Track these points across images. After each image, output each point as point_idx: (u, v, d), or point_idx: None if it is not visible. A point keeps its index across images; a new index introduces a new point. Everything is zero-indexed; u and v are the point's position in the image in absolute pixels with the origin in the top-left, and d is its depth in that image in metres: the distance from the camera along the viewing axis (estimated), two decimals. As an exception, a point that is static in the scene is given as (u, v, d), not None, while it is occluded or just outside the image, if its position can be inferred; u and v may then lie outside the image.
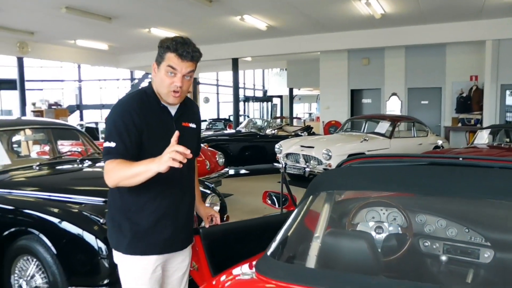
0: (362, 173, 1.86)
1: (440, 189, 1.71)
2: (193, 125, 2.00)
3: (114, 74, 20.11)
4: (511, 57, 9.95)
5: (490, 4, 8.65)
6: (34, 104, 13.02)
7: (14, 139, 4.49)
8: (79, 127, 10.48)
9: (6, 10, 9.13)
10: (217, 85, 24.57)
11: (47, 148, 4.67)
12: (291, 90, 21.30)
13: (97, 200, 2.97)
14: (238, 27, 10.77)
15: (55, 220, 2.83)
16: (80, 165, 3.94)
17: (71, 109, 18.12)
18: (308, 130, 11.94)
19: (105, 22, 9.96)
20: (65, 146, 5.33)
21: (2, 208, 3.09)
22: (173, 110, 1.93)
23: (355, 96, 13.32)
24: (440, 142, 7.14)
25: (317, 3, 8.76)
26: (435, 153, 6.52)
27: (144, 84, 16.47)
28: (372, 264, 1.58)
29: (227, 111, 21.69)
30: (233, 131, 11.64)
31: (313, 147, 7.49)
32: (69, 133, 4.92)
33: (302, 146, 7.74)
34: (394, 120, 8.56)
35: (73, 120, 16.56)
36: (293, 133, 11.15)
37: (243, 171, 10.26)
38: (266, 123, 11.08)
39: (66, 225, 2.78)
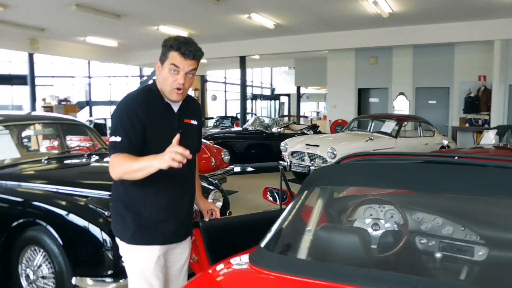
0: (355, 170, 1.91)
1: (432, 186, 1.75)
2: (194, 122, 2.07)
3: (123, 71, 20.26)
4: (520, 57, 9.90)
5: (499, 4, 8.60)
6: (44, 99, 13.20)
7: (24, 134, 4.59)
8: (88, 123, 10.64)
9: (18, 7, 9.27)
10: (225, 83, 24.63)
11: (55, 143, 4.78)
12: (298, 89, 21.30)
13: (103, 194, 3.04)
14: (245, 26, 10.83)
15: (62, 212, 2.91)
16: (87, 160, 4.03)
17: (80, 105, 18.31)
18: (314, 128, 11.96)
19: (115, 19, 10.08)
20: (73, 141, 5.43)
21: (12, 200, 3.19)
22: (176, 107, 2.00)
23: (362, 95, 13.31)
24: (446, 142, 7.13)
25: (325, 2, 8.78)
26: (440, 152, 6.52)
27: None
28: (364, 258, 1.63)
29: (234, 109, 21.75)
30: (239, 128, 11.71)
31: (318, 146, 7.52)
32: (77, 128, 5.02)
33: (307, 144, 7.78)
34: (400, 119, 8.56)
35: (82, 116, 16.72)
36: (299, 132, 11.19)
37: (249, 169, 10.33)
38: (272, 121, 11.13)
39: (73, 217, 2.87)
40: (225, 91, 24.69)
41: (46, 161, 3.78)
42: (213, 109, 22.81)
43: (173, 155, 1.63)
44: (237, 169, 9.71)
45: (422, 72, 12.02)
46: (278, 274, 1.38)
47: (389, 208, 2.35)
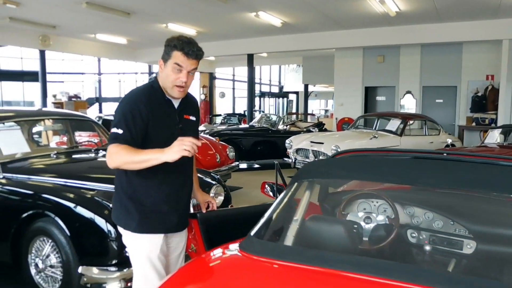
0: (342, 164, 2.00)
1: (418, 179, 1.84)
2: (193, 118, 2.18)
3: (133, 68, 20.48)
4: (528, 56, 9.85)
5: (508, 4, 8.57)
6: (54, 96, 13.42)
7: (34, 129, 4.74)
8: (97, 119, 10.82)
9: (30, 4, 9.46)
10: (233, 80, 24.73)
11: (65, 138, 4.93)
12: (306, 86, 21.33)
13: (109, 187, 3.13)
14: (253, 24, 10.91)
15: (70, 204, 3.04)
16: (94, 155, 4.16)
17: (90, 102, 18.56)
18: (319, 126, 12.02)
19: (124, 17, 10.22)
20: (82, 137, 5.58)
21: (22, 192, 3.33)
22: (176, 103, 2.11)
23: (369, 93, 13.32)
24: (449, 141, 7.15)
25: (331, 0, 8.83)
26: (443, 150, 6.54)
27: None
28: (350, 247, 1.72)
29: (243, 106, 21.85)
30: (246, 126, 11.81)
31: (322, 143, 7.59)
32: (86, 124, 5.16)
33: (312, 142, 7.85)
34: (405, 118, 8.59)
35: (92, 112, 16.95)
36: (304, 129, 11.26)
37: (256, 166, 10.44)
38: (278, 119, 11.22)
39: (80, 209, 2.99)
40: (234, 88, 24.79)
41: (55, 156, 3.93)
42: (222, 106, 22.93)
43: (186, 145, 1.75)
44: (243, 165, 9.83)
45: (430, 71, 12.00)
46: (264, 259, 1.49)
47: (382, 203, 2.44)
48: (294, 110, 25.91)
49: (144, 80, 20.64)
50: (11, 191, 3.38)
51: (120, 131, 1.91)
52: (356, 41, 11.79)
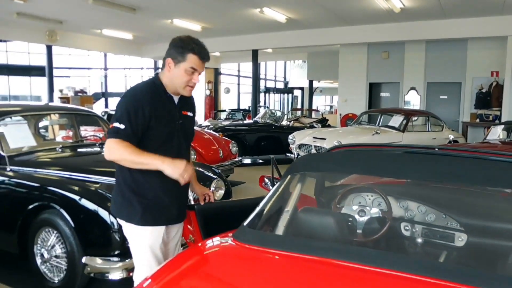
0: (333, 158, 2.07)
1: (405, 172, 1.90)
2: (190, 114, 2.27)
3: (138, 63, 20.59)
4: (533, 53, 9.81)
5: (512, 0, 8.55)
6: (61, 91, 13.55)
7: (41, 123, 4.84)
8: (103, 114, 10.92)
9: (37, 0, 9.57)
10: (238, 76, 24.78)
11: (70, 133, 5.03)
12: (311, 82, 21.33)
13: (112, 180, 3.17)
14: (257, 19, 10.94)
15: (74, 196, 3.13)
16: (98, 149, 4.26)
17: (96, 97, 18.70)
18: (322, 122, 12.06)
19: (130, 13, 10.30)
20: (88, 131, 5.68)
21: (28, 185, 3.42)
22: (176, 100, 2.19)
23: (374, 89, 13.32)
24: (451, 137, 7.18)
25: (335, -4, 8.86)
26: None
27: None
28: (339, 237, 1.80)
29: (247, 102, 21.91)
30: (250, 121, 11.88)
31: (325, 139, 7.65)
32: (91, 119, 5.26)
33: (314, 137, 7.91)
34: (408, 114, 8.62)
35: (98, 107, 17.09)
36: (308, 125, 11.31)
37: (260, 161, 10.51)
38: (282, 115, 11.27)
39: (84, 202, 3.08)
40: (239, 84, 24.84)
41: (60, 150, 4.03)
42: (227, 102, 22.99)
43: (185, 177, 1.98)
44: (247, 161, 9.91)
45: (434, 67, 11.98)
46: (256, 247, 1.57)
47: (376, 197, 2.51)
48: (299, 106, 25.92)
49: (150, 75, 20.76)
50: (17, 183, 3.48)
51: (122, 126, 1.97)
52: (361, 37, 11.79)
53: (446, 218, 2.44)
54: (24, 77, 19.69)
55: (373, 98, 13.34)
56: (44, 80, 14.09)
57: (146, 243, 2.13)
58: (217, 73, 21.47)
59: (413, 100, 12.37)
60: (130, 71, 21.83)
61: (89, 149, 4.33)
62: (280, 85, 28.56)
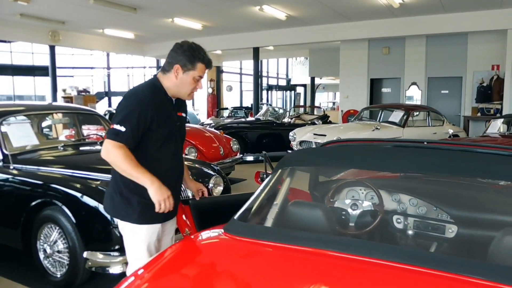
0: (323, 152, 2.14)
1: (391, 165, 1.96)
2: (184, 115, 2.35)
3: (141, 62, 20.70)
4: (533, 46, 9.80)
5: (511, -7, 8.55)
6: (64, 90, 13.67)
7: (43, 123, 4.93)
8: (106, 113, 11.01)
9: (39, 1, 9.67)
10: (240, 74, 24.82)
11: (72, 131, 5.12)
12: (312, 79, 21.34)
13: (112, 177, 3.32)
14: (258, 17, 10.99)
15: (75, 193, 3.21)
16: (99, 147, 4.33)
17: (99, 96, 18.84)
18: (323, 119, 12.10)
19: (131, 12, 10.38)
20: (91, 130, 5.76)
21: (31, 182, 3.51)
22: (173, 102, 2.26)
23: (375, 85, 13.34)
24: (451, 131, 7.21)
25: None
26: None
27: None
28: (328, 230, 1.86)
29: (250, 100, 21.97)
30: (252, 119, 11.95)
31: (325, 135, 7.70)
32: (92, 118, 5.34)
33: (315, 134, 7.96)
34: (408, 109, 8.65)
35: (102, 106, 17.21)
36: (309, 122, 11.36)
37: (261, 158, 10.57)
38: (283, 112, 11.32)
39: (85, 198, 3.16)
40: (241, 81, 24.89)
41: (62, 148, 4.11)
42: (229, 100, 23.05)
43: (164, 205, 2.05)
44: (249, 158, 9.98)
45: (435, 62, 11.99)
46: (245, 239, 1.64)
47: (369, 191, 2.57)
48: (301, 103, 25.95)
49: (152, 73, 20.83)
50: (21, 181, 3.58)
51: (122, 129, 2.01)
52: (361, 33, 11.81)
53: (437, 211, 2.50)
54: (28, 77, 19.86)
55: (374, 94, 13.36)
56: (48, 80, 14.23)
57: (142, 241, 2.18)
58: (219, 71, 21.53)
59: (416, 95, 12.39)
60: (133, 70, 21.94)
61: (90, 148, 4.41)
62: (283, 83, 28.58)
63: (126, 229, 2.22)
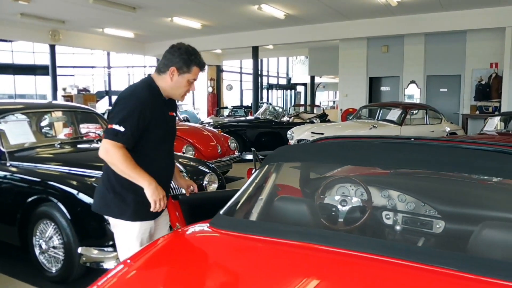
0: (309, 148, 2.17)
1: (376, 161, 1.99)
2: (174, 114, 2.38)
3: (142, 61, 20.76)
4: (532, 44, 9.81)
5: (509, -9, 8.56)
6: (64, 89, 13.73)
7: (40, 121, 4.97)
8: (107, 111, 11.04)
9: (39, 0, 9.72)
10: (241, 73, 24.85)
11: (70, 130, 5.16)
12: (312, 78, 21.37)
13: (107, 174, 3.36)
14: (256, 16, 11.02)
15: (70, 190, 3.26)
16: (96, 145, 4.38)
17: (100, 95, 18.89)
18: (322, 117, 12.14)
19: (130, 11, 10.43)
20: (90, 128, 5.81)
21: (27, 179, 3.56)
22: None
23: (374, 83, 13.36)
24: (448, 129, 7.23)
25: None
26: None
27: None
28: (312, 224, 1.90)
29: (250, 99, 21.99)
30: (251, 118, 11.99)
31: (322, 134, 7.72)
32: (90, 116, 5.39)
33: (312, 132, 7.99)
34: (405, 107, 8.67)
35: (102, 105, 17.27)
36: (308, 120, 11.39)
37: (261, 157, 10.60)
38: (282, 110, 11.36)
39: (79, 195, 3.21)
40: (241, 81, 24.92)
41: (58, 146, 4.16)
42: (229, 99, 23.09)
43: (159, 203, 2.09)
44: (249, 156, 10.01)
45: (434, 60, 12.00)
46: (230, 232, 1.68)
47: (359, 187, 2.61)
48: (302, 102, 25.97)
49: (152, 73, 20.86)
50: (17, 178, 3.62)
51: (121, 129, 2.02)
52: (360, 32, 11.83)
53: (425, 206, 2.54)
54: (30, 76, 19.94)
55: (373, 93, 13.38)
56: (48, 79, 14.29)
57: (135, 238, 2.20)
58: (219, 70, 21.57)
59: (415, 94, 12.40)
60: (133, 69, 21.99)
61: (86, 145, 4.46)
62: (283, 82, 28.61)
63: (119, 226, 2.24)
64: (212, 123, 10.74)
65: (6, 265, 3.72)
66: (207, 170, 4.06)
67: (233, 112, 16.29)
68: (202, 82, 21.09)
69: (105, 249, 3.07)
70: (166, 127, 2.26)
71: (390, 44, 12.55)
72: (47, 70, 14.25)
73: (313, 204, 2.16)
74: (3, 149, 3.78)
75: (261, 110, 11.89)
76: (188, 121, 11.81)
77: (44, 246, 3.36)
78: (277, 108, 12.35)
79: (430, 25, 10.73)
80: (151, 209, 2.11)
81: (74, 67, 20.74)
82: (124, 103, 2.10)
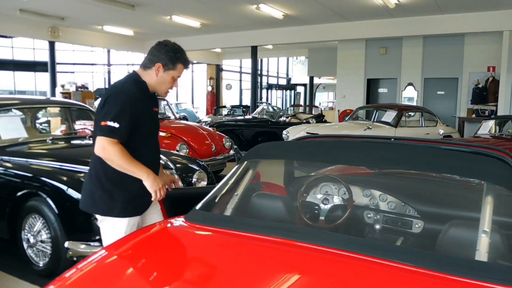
0: (288, 146, 2.21)
1: (350, 159, 2.03)
2: (156, 109, 2.42)
3: (141, 59, 20.78)
4: (528, 48, 9.83)
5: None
6: (63, 86, 13.74)
7: (34, 116, 5.00)
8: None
9: (38, -3, 9.77)
10: (240, 72, 24.88)
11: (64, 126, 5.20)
12: (311, 79, 21.41)
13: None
14: (255, 16, 11.05)
15: (58, 185, 3.29)
16: (88, 141, 4.41)
17: (100, 92, 18.89)
18: (318, 117, 12.18)
19: (129, 9, 10.46)
20: (87, 125, 5.84)
21: (17, 174, 3.59)
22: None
23: (372, 85, 13.40)
24: (441, 132, 7.26)
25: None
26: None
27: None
28: (289, 220, 1.93)
29: (249, 98, 22.03)
30: (248, 117, 12.03)
31: (317, 134, 7.76)
32: (84, 113, 5.42)
33: (307, 132, 8.02)
34: (401, 109, 8.70)
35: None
36: (304, 121, 11.43)
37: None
38: (278, 110, 11.40)
39: (67, 190, 3.24)
40: (240, 80, 24.95)
41: (50, 141, 4.19)
42: (229, 98, 23.13)
43: (160, 192, 2.15)
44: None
45: (431, 63, 12.04)
46: (204, 226, 1.71)
47: (341, 186, 2.64)
48: (302, 103, 26.01)
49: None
50: (8, 172, 3.65)
51: (116, 125, 2.05)
52: (359, 33, 11.85)
53: (405, 206, 2.57)
54: (29, 73, 19.98)
55: (371, 94, 13.42)
56: (48, 76, 14.32)
57: (122, 233, 2.19)
58: (218, 69, 21.61)
59: (413, 96, 12.43)
60: (133, 67, 22.02)
61: (78, 142, 4.49)
62: (283, 82, 28.64)
63: (107, 222, 2.25)
64: (209, 122, 10.78)
65: (-4, 259, 3.76)
66: (196, 168, 4.09)
67: (231, 112, 16.33)
68: (202, 81, 21.13)
69: (92, 243, 3.10)
70: (153, 122, 2.32)
71: (388, 46, 12.59)
72: (47, 66, 14.29)
73: (292, 201, 2.20)
74: (-6, 144, 3.81)
75: (258, 109, 11.93)
76: (186, 119, 11.84)
77: (32, 240, 3.39)
78: (274, 108, 12.40)
79: (428, 28, 10.76)
80: (152, 199, 2.18)
81: (74, 64, 20.79)
82: (115, 100, 2.12)
